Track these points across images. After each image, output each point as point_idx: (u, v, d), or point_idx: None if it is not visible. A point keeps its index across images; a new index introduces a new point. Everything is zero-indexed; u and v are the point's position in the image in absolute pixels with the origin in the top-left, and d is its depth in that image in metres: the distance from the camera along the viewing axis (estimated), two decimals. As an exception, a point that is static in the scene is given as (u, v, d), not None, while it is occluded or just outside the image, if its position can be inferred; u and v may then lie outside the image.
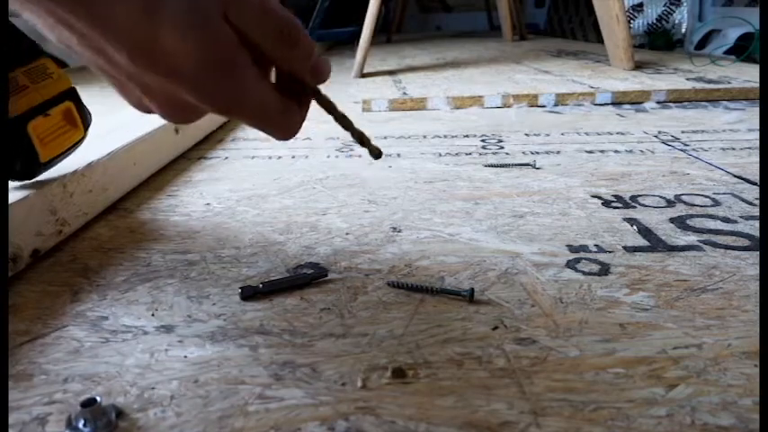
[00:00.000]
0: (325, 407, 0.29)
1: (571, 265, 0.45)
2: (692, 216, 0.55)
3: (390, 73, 1.61)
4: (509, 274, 0.43)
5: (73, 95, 0.47)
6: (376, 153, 0.38)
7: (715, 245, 0.48)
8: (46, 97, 0.43)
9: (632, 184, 0.65)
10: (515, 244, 0.49)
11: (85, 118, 0.48)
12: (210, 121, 0.97)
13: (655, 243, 0.49)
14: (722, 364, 0.32)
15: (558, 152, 0.80)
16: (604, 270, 0.44)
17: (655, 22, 2.40)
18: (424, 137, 0.91)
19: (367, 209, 0.58)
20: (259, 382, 0.31)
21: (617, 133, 0.91)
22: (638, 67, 1.55)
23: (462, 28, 3.70)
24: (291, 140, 0.98)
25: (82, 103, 0.48)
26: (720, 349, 0.33)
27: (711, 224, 0.52)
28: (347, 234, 0.52)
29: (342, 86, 1.44)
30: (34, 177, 0.46)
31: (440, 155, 0.80)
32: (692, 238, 0.49)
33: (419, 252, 0.48)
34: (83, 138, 0.49)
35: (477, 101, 1.18)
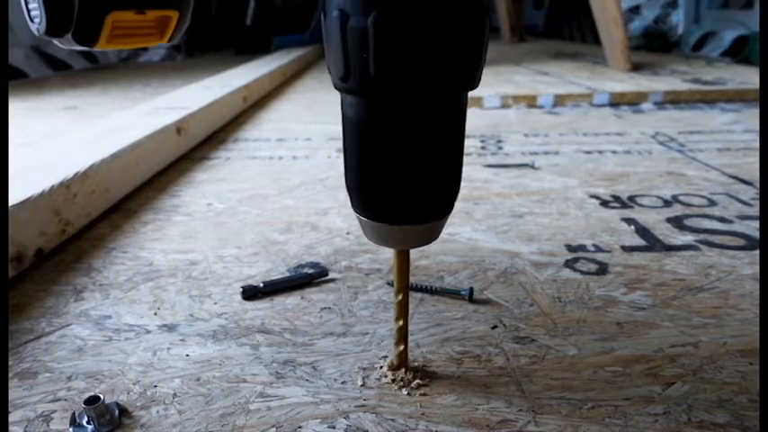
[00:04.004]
0: (325, 405, 0.30)
1: (569, 264, 0.45)
2: (688, 216, 0.55)
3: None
4: (508, 274, 0.44)
5: (186, 5, 0.41)
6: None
7: (711, 244, 0.48)
8: None
9: (630, 184, 0.66)
10: (514, 244, 0.49)
11: (179, 30, 0.42)
12: (211, 122, 0.97)
13: (652, 243, 0.49)
14: (718, 363, 0.32)
15: (557, 153, 0.81)
16: (602, 269, 0.44)
17: (652, 24, 2.41)
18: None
19: (367, 209, 0.59)
20: (260, 380, 0.32)
21: (615, 134, 0.92)
22: (636, 68, 1.56)
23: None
24: (292, 141, 0.98)
25: (187, 15, 0.42)
26: (716, 347, 0.34)
27: (708, 224, 0.53)
28: (348, 234, 0.52)
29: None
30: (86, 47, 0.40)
31: (439, 156, 0.80)
32: (688, 238, 0.50)
33: (419, 251, 0.48)
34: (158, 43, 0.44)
35: (476, 102, 1.19)
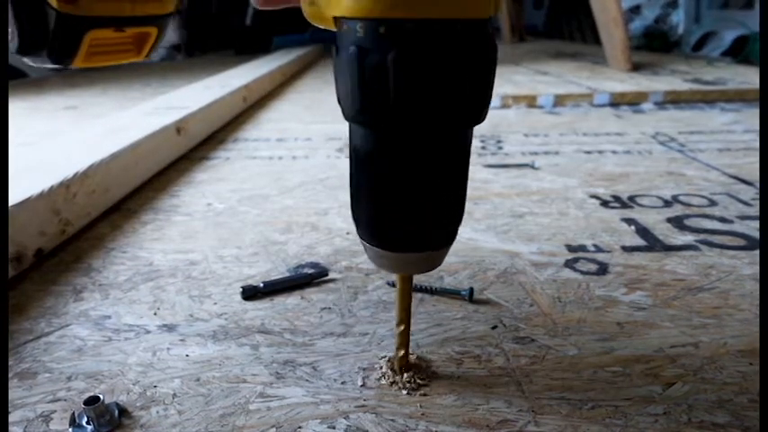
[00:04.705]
0: (325, 405, 0.30)
1: (569, 264, 0.45)
2: (688, 216, 0.55)
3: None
4: (508, 274, 0.44)
5: (165, 21, 0.39)
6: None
7: (711, 244, 0.48)
8: (134, 13, 0.36)
9: (630, 184, 0.66)
10: (514, 244, 0.49)
11: (157, 46, 0.41)
12: (211, 122, 0.97)
13: (652, 243, 0.49)
14: (718, 363, 0.32)
15: (557, 153, 0.81)
16: (602, 269, 0.44)
17: (652, 24, 2.41)
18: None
19: (367, 209, 0.59)
20: (260, 380, 0.32)
21: (615, 134, 0.92)
22: (636, 68, 1.56)
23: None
24: (292, 141, 0.98)
25: (166, 30, 0.39)
26: (717, 348, 0.34)
27: (708, 224, 0.53)
28: (348, 234, 0.52)
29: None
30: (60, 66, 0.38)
31: (439, 156, 0.80)
32: (688, 238, 0.50)
33: (419, 252, 0.48)
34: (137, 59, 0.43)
35: (475, 102, 1.18)
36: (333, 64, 0.25)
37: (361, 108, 0.24)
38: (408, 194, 0.25)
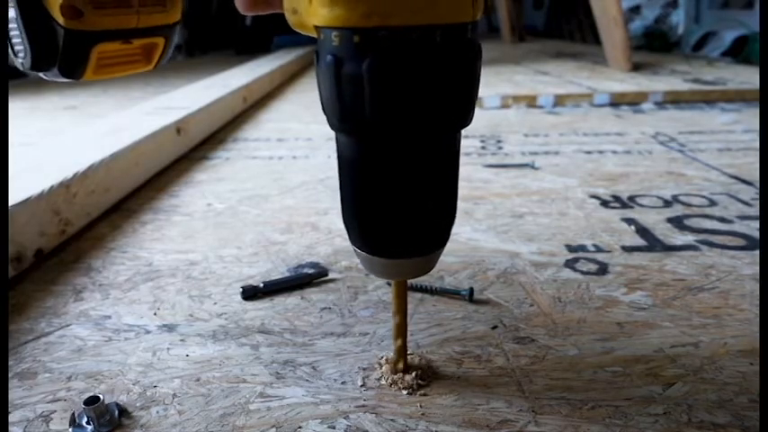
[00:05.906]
0: (325, 405, 0.30)
1: (570, 264, 0.45)
2: (688, 216, 0.55)
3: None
4: (508, 274, 0.44)
5: (172, 31, 0.40)
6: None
7: (712, 245, 0.48)
8: (140, 25, 0.36)
9: (630, 184, 0.66)
10: (514, 244, 0.49)
11: (166, 56, 0.42)
12: (211, 122, 0.97)
13: (652, 243, 0.49)
14: (718, 363, 0.32)
15: (557, 153, 0.81)
16: (602, 269, 0.44)
17: (652, 24, 2.41)
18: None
19: (367, 209, 0.59)
20: (260, 380, 0.32)
21: (615, 134, 0.92)
22: (636, 68, 1.56)
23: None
24: (292, 140, 0.98)
25: (174, 39, 0.40)
26: (717, 348, 0.34)
27: (708, 224, 0.53)
28: (347, 234, 0.52)
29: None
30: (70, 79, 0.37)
31: (439, 156, 0.80)
32: (689, 238, 0.50)
33: (419, 252, 0.48)
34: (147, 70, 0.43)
35: (476, 102, 1.18)
36: (315, 73, 0.25)
37: (341, 117, 0.24)
38: (393, 202, 0.25)
